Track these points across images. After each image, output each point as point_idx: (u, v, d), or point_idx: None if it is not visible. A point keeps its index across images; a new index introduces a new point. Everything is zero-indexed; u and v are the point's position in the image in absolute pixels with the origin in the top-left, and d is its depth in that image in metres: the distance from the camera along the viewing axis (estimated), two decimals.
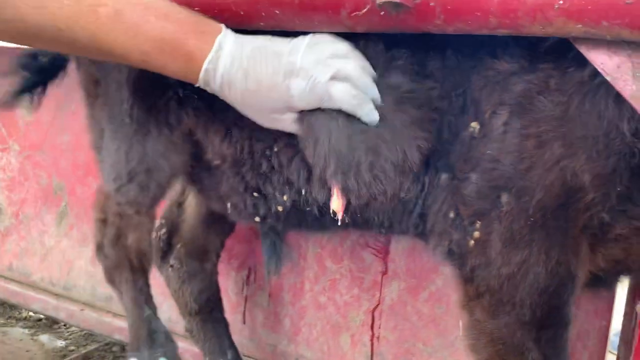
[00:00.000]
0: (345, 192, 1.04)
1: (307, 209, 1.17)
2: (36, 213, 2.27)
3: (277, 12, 0.95)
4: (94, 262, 2.13)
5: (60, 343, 2.15)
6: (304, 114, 1.01)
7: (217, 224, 1.65)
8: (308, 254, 1.71)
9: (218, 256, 1.70)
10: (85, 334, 2.16)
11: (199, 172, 1.36)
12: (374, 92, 0.98)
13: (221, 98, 1.03)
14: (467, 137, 0.99)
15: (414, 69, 1.01)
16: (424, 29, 0.91)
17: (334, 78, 0.95)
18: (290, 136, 1.08)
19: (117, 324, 2.02)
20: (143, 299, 1.49)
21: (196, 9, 1.00)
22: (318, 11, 0.94)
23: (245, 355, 1.78)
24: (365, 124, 0.98)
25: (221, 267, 1.88)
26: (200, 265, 1.66)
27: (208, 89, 1.02)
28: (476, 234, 0.99)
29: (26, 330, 2.24)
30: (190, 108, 1.23)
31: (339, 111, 0.98)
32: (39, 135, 2.24)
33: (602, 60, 0.84)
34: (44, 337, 2.19)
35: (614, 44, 0.83)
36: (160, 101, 1.25)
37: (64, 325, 2.25)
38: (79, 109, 2.18)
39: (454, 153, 1.01)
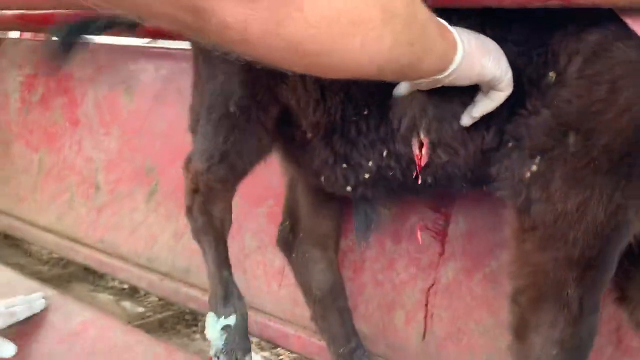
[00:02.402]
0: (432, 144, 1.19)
1: (391, 173, 1.29)
2: (129, 192, 2.53)
3: None
4: (176, 237, 2.35)
5: (140, 309, 2.37)
6: None
7: (328, 208, 1.73)
8: (370, 236, 1.83)
9: (337, 242, 1.77)
10: (163, 302, 2.37)
11: (293, 151, 1.51)
12: None
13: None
14: (544, 86, 1.08)
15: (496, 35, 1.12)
16: None
17: None
18: (384, 97, 1.22)
19: (192, 294, 2.20)
20: (222, 261, 1.64)
21: None
22: None
23: (303, 327, 1.90)
24: None
25: None
26: (322, 254, 1.73)
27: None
28: (534, 167, 1.06)
29: (111, 297, 2.48)
30: (285, 84, 1.39)
31: None
32: (138, 122, 2.51)
33: None
34: (126, 304, 2.42)
35: None
36: (262, 86, 1.42)
37: (144, 295, 2.48)
38: (173, 100, 2.45)
39: (530, 97, 1.10)
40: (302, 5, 0.71)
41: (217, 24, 0.68)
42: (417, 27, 0.88)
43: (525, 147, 1.10)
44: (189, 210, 1.69)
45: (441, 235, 1.70)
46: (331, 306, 1.73)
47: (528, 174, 1.08)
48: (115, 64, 2.61)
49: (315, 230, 1.74)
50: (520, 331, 1.12)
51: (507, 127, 1.14)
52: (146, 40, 2.68)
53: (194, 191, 1.65)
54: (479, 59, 1.03)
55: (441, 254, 1.70)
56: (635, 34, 0.96)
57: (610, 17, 1.00)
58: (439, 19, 1.00)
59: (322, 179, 1.45)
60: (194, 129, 1.67)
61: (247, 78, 1.44)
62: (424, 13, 0.91)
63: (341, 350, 1.71)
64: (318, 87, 1.35)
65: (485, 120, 1.17)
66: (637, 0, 0.90)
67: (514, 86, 1.12)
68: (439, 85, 1.07)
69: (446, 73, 1.01)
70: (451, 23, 1.03)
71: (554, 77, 1.08)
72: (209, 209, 1.63)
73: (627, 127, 0.99)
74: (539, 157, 1.07)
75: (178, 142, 2.32)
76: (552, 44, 1.08)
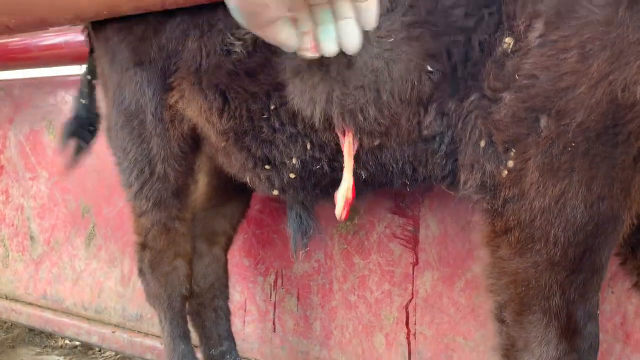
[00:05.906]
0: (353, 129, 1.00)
1: (317, 166, 1.12)
2: (66, 238, 2.27)
3: None
4: (123, 281, 2.11)
5: None
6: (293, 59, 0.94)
7: (227, 207, 1.61)
8: (334, 252, 1.63)
9: (229, 241, 1.64)
10: (119, 357, 2.12)
11: (213, 154, 1.36)
12: None
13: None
14: (500, 55, 0.90)
15: None
16: None
17: None
18: (285, 89, 1.04)
19: (147, 344, 1.97)
20: (179, 335, 1.50)
21: None
22: None
23: None
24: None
25: (248, 274, 1.81)
26: (208, 248, 1.60)
27: None
28: (510, 162, 0.89)
29: (62, 358, 2.21)
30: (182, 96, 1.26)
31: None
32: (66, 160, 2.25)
33: None
34: None
35: None
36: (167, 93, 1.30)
37: (99, 351, 2.22)
38: (100, 131, 2.21)
39: (486, 74, 0.92)
40: None
41: None
42: None
43: (496, 142, 0.92)
44: (140, 272, 1.50)
45: (412, 243, 1.50)
46: (208, 304, 1.62)
47: (505, 172, 0.91)
48: (33, 99, 2.36)
49: (209, 226, 1.60)
50: (509, 353, 0.95)
51: (473, 122, 0.95)
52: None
53: (143, 247, 1.46)
54: None
55: (415, 263, 1.50)
56: None
57: None
58: None
59: (247, 180, 1.29)
60: (118, 159, 1.51)
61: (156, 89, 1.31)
62: None
63: (211, 351, 1.61)
64: (219, 93, 1.18)
65: (421, 95, 0.97)
66: None
67: (464, 52, 0.93)
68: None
69: None
70: None
71: (510, 45, 0.89)
72: (161, 270, 1.45)
73: (602, 100, 0.82)
74: (513, 151, 0.90)
75: (111, 175, 2.08)
76: (506, 3, 0.90)
